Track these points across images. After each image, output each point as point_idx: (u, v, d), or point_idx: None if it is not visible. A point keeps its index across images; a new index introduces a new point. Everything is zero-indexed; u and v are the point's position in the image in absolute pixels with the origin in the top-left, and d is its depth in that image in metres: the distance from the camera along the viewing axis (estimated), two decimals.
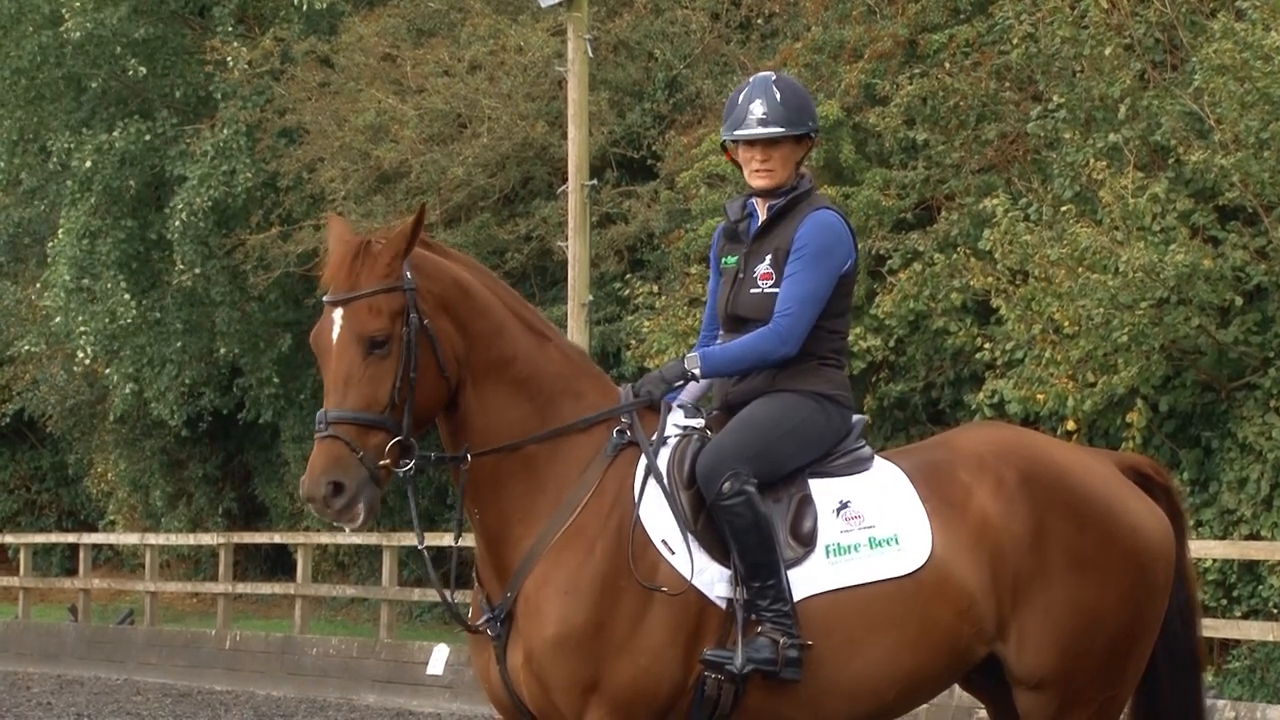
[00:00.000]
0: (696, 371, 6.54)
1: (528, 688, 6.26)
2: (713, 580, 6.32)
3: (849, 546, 6.49)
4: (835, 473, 6.61)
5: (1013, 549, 6.59)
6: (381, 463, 6.05)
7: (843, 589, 6.45)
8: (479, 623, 6.35)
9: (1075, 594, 6.62)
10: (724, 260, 6.81)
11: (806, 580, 6.42)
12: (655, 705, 6.27)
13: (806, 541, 6.45)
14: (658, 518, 6.33)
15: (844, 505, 6.54)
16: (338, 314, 6.11)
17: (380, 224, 22.20)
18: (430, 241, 6.36)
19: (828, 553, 6.46)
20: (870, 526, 6.52)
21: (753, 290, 6.64)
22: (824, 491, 6.56)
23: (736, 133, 6.65)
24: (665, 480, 6.38)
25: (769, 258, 6.62)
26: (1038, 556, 6.61)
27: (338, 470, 5.99)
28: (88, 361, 26.19)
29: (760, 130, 6.62)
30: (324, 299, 6.18)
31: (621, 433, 6.43)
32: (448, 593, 6.53)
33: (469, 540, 6.65)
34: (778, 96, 6.62)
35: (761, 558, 6.31)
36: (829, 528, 6.50)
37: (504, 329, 6.33)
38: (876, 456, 6.72)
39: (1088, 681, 6.67)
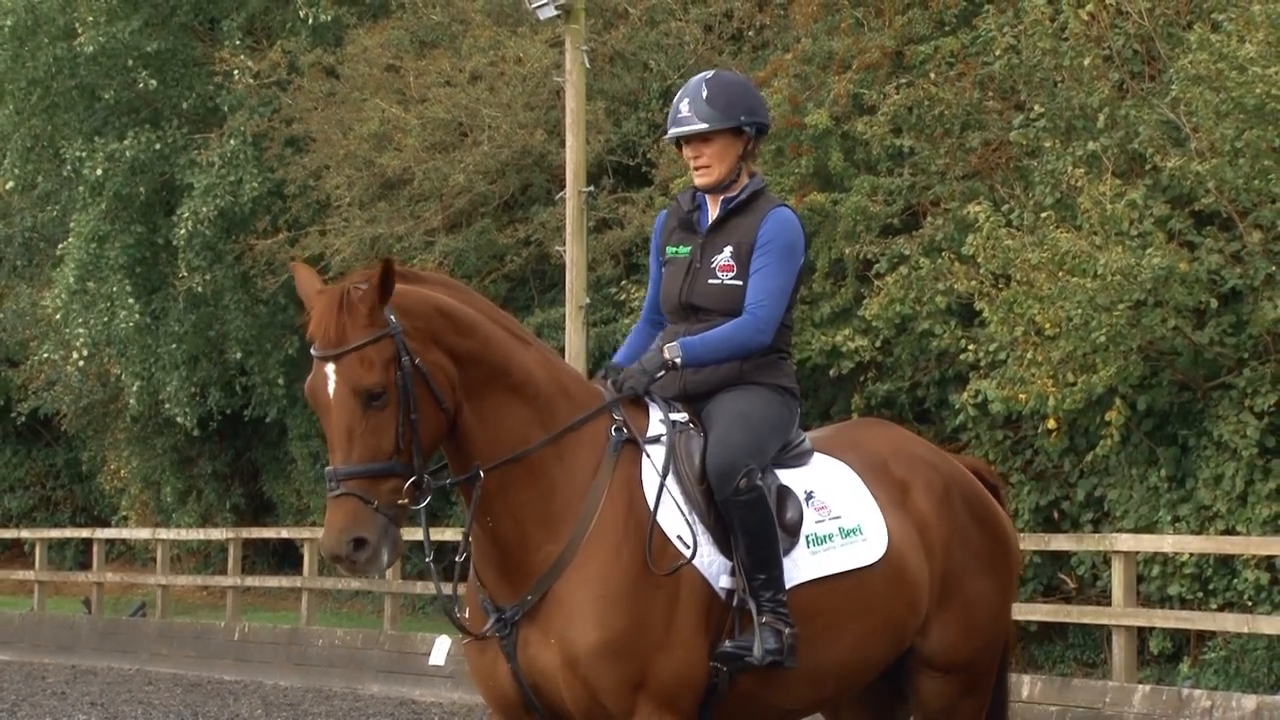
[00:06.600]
0: (677, 361, 6.46)
1: (570, 690, 6.16)
2: (718, 572, 6.31)
3: (825, 536, 6.54)
4: (790, 464, 6.65)
5: (941, 547, 6.86)
6: (399, 503, 5.96)
7: (823, 578, 6.51)
8: (486, 627, 6.27)
9: (982, 588, 6.99)
10: (673, 249, 6.75)
11: (793, 569, 6.43)
12: (695, 692, 6.27)
13: (792, 531, 6.47)
14: (672, 516, 6.29)
15: (810, 495, 6.59)
16: (329, 368, 5.95)
17: (384, 229, 22.45)
18: (404, 271, 6.22)
19: (808, 543, 6.50)
20: (838, 517, 6.58)
21: (711, 281, 6.60)
22: (791, 482, 6.59)
23: (670, 132, 6.69)
24: (678, 477, 6.36)
25: (729, 250, 6.59)
26: (958, 554, 6.92)
27: (356, 526, 5.88)
28: (81, 363, 26.18)
29: (680, 128, 6.61)
30: (313, 353, 6.02)
31: (619, 430, 6.36)
32: (447, 592, 6.47)
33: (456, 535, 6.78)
34: (704, 94, 6.58)
35: (768, 550, 6.32)
36: (806, 518, 6.53)
37: (491, 340, 6.20)
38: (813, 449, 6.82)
39: (984, 669, 7.08)
